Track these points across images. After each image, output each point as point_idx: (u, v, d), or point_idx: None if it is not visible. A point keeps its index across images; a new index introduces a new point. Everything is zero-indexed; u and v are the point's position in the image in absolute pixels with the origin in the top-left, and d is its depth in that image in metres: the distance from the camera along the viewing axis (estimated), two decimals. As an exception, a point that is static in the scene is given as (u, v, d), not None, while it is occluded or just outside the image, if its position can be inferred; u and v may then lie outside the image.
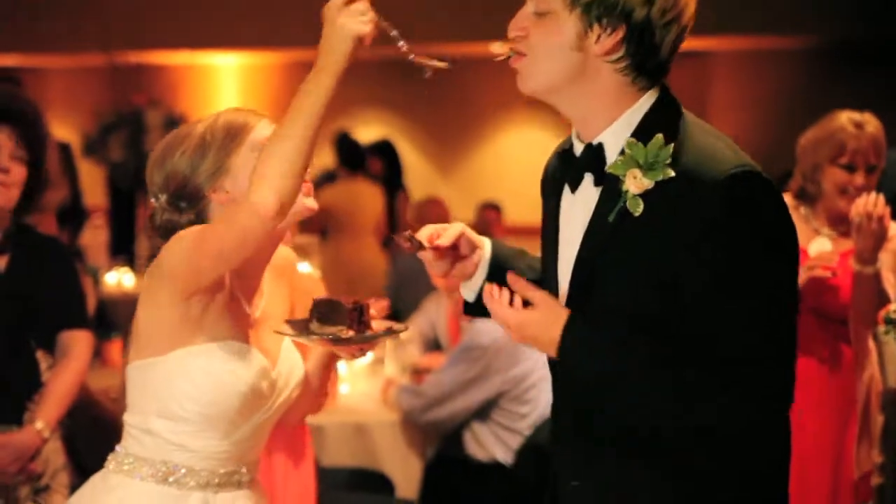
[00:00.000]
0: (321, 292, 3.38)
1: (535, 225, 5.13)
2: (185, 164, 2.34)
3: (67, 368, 3.30)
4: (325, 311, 2.25)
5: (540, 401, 4.42)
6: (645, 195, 1.99)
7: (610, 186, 2.03)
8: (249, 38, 10.89)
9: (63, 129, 11.71)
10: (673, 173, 1.97)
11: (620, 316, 1.99)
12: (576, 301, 2.05)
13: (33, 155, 3.21)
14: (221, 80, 12.88)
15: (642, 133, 2.03)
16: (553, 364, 2.15)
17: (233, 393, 2.27)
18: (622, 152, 2.03)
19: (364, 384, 4.92)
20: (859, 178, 3.60)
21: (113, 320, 5.47)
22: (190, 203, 2.35)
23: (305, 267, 3.48)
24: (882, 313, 3.19)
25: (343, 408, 4.61)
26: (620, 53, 2.03)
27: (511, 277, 2.06)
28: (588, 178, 2.08)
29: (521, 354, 4.39)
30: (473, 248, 2.27)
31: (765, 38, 10.16)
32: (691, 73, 10.34)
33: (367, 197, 8.28)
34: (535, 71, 2.07)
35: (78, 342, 3.35)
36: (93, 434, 4.06)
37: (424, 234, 2.22)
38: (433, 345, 5.31)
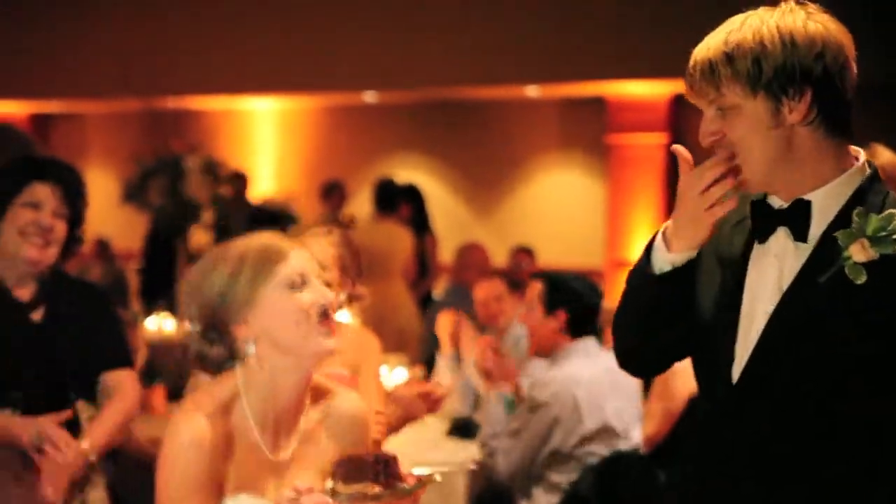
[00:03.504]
0: (376, 348, 3.35)
1: (566, 268, 5.10)
2: (215, 295, 2.30)
3: (116, 402, 3.28)
4: (348, 470, 2.17)
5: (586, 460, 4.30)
6: (867, 265, 2.06)
7: (824, 248, 2.12)
8: (287, 82, 10.98)
9: (102, 175, 11.83)
10: None
11: (813, 367, 2.09)
12: (767, 357, 2.13)
13: (73, 212, 3.27)
14: (259, 124, 12.97)
15: (858, 203, 2.12)
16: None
17: None
18: (839, 217, 2.12)
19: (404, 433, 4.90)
20: None
21: (156, 367, 5.47)
22: (219, 336, 2.31)
23: (345, 316, 3.48)
24: None
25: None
26: (814, 113, 2.12)
27: None
28: (782, 232, 2.16)
29: (586, 411, 4.28)
30: None
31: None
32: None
33: (397, 238, 8.32)
34: (751, 165, 2.13)
35: (121, 382, 3.33)
36: (138, 482, 4.04)
37: None
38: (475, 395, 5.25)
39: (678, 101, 10.46)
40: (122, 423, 3.29)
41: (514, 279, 6.00)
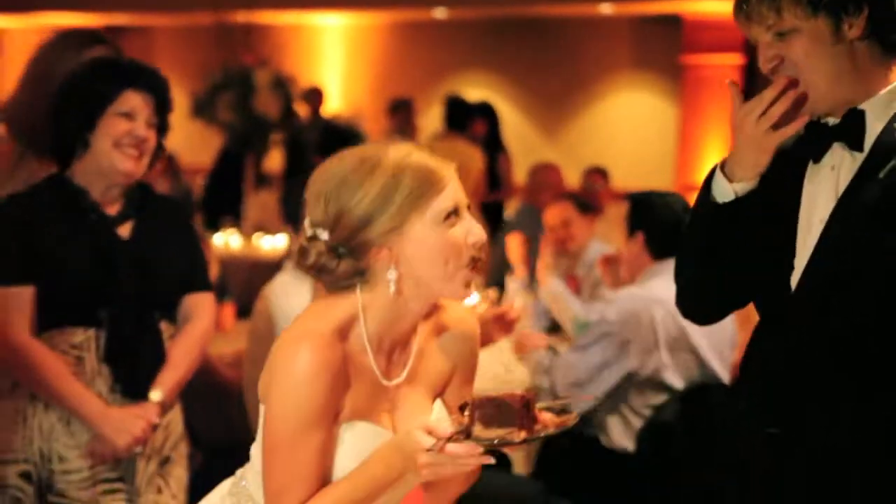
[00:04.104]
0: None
1: (641, 190, 4.96)
2: (362, 213, 2.06)
3: (189, 333, 3.18)
4: (489, 414, 1.99)
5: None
6: None
7: (880, 148, 2.13)
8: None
9: (170, 89, 11.80)
10: None
11: (875, 264, 2.09)
12: (826, 257, 2.14)
13: (161, 121, 3.14)
14: (328, 40, 12.87)
15: None
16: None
17: None
18: (893, 119, 2.13)
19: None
20: None
21: (224, 283, 5.40)
22: (352, 253, 2.09)
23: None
24: None
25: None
26: (871, 28, 2.13)
27: None
28: (837, 146, 2.17)
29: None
30: None
31: None
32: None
33: (466, 157, 8.16)
34: (816, 84, 2.14)
35: (200, 305, 3.23)
36: (206, 401, 4.01)
37: None
38: (546, 318, 5.17)
39: (757, 22, 10.15)
40: (194, 355, 3.18)
41: (586, 202, 5.83)
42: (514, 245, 5.52)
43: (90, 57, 3.23)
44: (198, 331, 3.20)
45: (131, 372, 3.07)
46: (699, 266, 2.30)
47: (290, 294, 3.91)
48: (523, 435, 1.98)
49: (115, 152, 3.04)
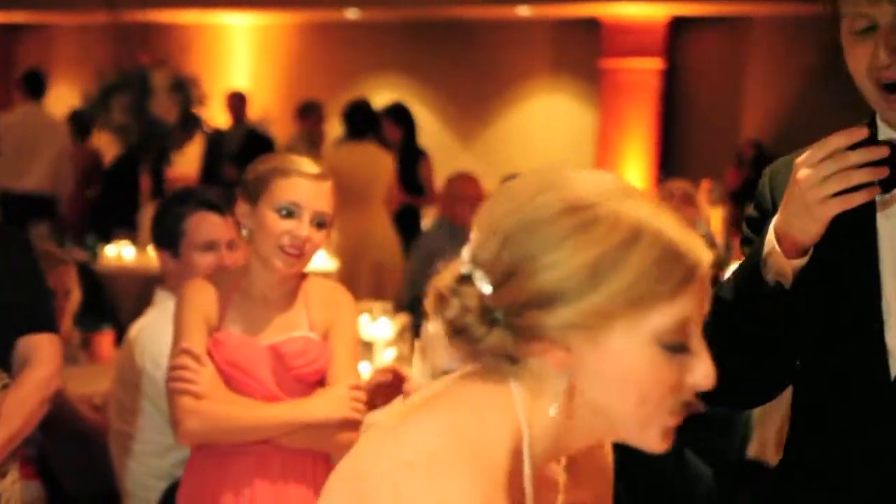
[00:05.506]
0: (350, 308, 2.76)
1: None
2: (549, 283, 1.29)
3: (25, 382, 2.66)
4: None
5: None
6: None
7: None
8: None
9: (68, 90, 11.29)
10: None
11: None
12: None
13: None
14: (234, 40, 12.52)
15: None
16: None
17: None
18: None
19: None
20: None
21: (105, 306, 4.84)
22: (510, 329, 1.32)
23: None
24: None
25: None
26: None
27: None
28: None
29: None
30: None
31: (805, 3, 9.71)
32: (727, 40, 9.91)
33: (376, 162, 7.69)
34: None
35: (41, 348, 2.71)
36: (71, 452, 3.50)
37: None
38: None
39: (676, 25, 10.00)
40: (36, 408, 2.66)
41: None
42: None
43: None
44: (36, 379, 2.68)
45: None
46: (754, 353, 1.87)
47: (160, 335, 3.21)
48: None
49: None
